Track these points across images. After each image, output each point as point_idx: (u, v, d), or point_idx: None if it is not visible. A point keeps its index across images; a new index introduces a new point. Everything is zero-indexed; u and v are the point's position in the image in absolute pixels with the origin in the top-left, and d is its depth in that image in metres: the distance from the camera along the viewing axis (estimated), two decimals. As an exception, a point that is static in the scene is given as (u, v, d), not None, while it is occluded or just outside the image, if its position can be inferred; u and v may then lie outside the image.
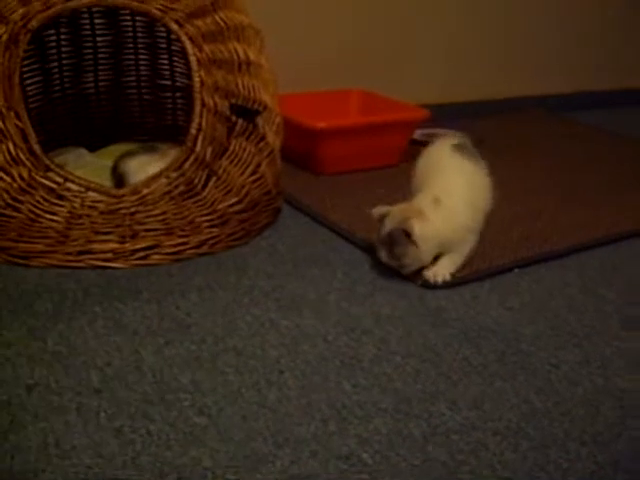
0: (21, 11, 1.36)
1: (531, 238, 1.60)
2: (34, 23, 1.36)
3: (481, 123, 2.42)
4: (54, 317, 1.25)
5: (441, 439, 1.00)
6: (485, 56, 2.60)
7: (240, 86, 1.47)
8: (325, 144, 1.85)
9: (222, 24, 1.47)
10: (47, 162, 1.39)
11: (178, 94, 1.86)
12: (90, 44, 1.78)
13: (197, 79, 1.41)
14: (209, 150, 1.44)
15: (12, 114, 1.38)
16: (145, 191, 1.42)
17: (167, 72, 1.84)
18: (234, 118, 1.47)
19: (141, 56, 1.83)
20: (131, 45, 1.81)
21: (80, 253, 1.42)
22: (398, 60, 2.43)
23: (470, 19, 2.53)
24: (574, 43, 2.74)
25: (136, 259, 1.43)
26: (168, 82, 1.86)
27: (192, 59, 1.41)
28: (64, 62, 1.77)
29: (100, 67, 1.81)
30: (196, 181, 1.44)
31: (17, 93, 1.37)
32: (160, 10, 1.40)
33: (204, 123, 1.43)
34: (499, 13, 2.58)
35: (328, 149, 1.86)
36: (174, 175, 1.43)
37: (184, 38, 1.41)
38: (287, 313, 1.28)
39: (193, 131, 1.42)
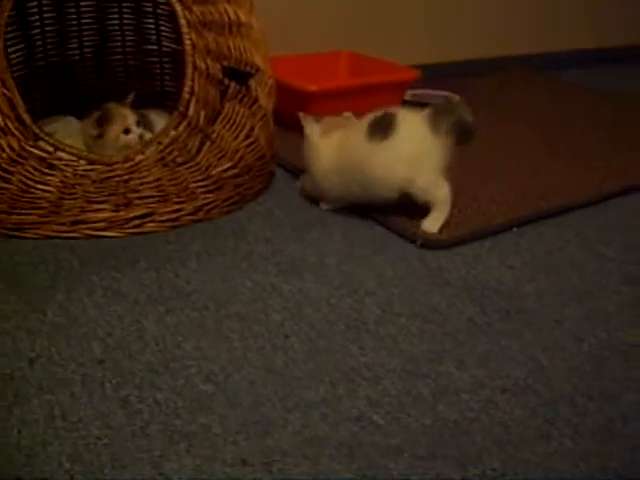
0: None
1: (527, 196, 1.59)
2: (17, -14, 1.31)
3: (468, 83, 2.40)
4: (51, 288, 1.23)
5: (451, 398, 0.99)
6: (469, 16, 2.58)
7: (232, 48, 1.44)
8: (317, 106, 1.82)
9: (211, -16, 1.43)
10: (37, 131, 1.36)
11: (165, 59, 1.82)
12: (73, 9, 1.73)
13: (188, 42, 1.38)
14: (202, 114, 1.41)
15: (-2, 82, 1.34)
16: (138, 158, 1.39)
17: (154, 36, 1.80)
18: (226, 81, 1.44)
19: (126, 20, 1.78)
20: (116, 9, 1.76)
21: (74, 223, 1.39)
22: (384, 21, 2.41)
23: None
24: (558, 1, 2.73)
25: (131, 227, 1.41)
26: (155, 47, 1.81)
27: (182, 22, 1.38)
28: (47, 29, 1.72)
29: (84, 33, 1.76)
30: (190, 146, 1.42)
31: (2, 61, 1.34)
32: (148, -30, 1.36)
33: (196, 87, 1.40)
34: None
35: (320, 111, 1.83)
36: (167, 141, 1.40)
37: (173, 0, 1.36)
38: (288, 277, 1.27)
39: (185, 95, 1.39)
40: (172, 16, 1.72)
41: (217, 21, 1.43)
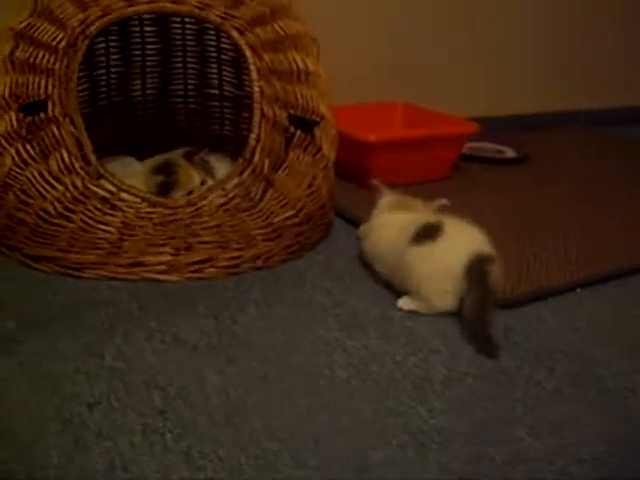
0: (80, 16, 1.33)
1: (589, 257, 1.55)
2: (93, 29, 1.33)
3: (523, 137, 2.39)
4: (110, 331, 1.21)
5: (524, 466, 0.95)
6: (526, 71, 2.57)
7: (299, 96, 1.43)
8: (376, 156, 1.81)
9: (281, 33, 1.44)
10: (102, 171, 1.36)
11: (226, 104, 1.83)
12: (139, 52, 1.75)
13: (257, 89, 1.38)
14: (267, 162, 1.40)
15: (67, 121, 1.34)
16: (201, 203, 1.38)
17: (215, 81, 1.81)
18: (292, 129, 1.43)
19: (189, 64, 1.80)
20: (180, 53, 1.78)
21: (133, 265, 1.38)
22: (439, 74, 2.40)
23: (510, 34, 2.50)
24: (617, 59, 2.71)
25: (190, 272, 1.39)
26: (216, 91, 1.82)
27: (252, 68, 1.38)
28: (112, 70, 1.74)
29: (148, 75, 1.78)
30: (253, 193, 1.40)
31: (73, 100, 1.34)
32: (220, 17, 1.36)
33: (263, 134, 1.39)
34: (537, 30, 2.55)
35: (379, 161, 1.82)
36: (231, 187, 1.39)
37: (245, 47, 1.37)
38: (351, 331, 1.24)
39: (252, 142, 1.38)
40: (236, 62, 1.75)
41: (286, 69, 1.43)
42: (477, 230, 1.30)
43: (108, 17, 1.32)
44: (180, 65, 1.80)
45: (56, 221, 1.38)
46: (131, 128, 1.80)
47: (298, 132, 1.44)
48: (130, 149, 1.73)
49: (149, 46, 1.75)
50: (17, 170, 1.38)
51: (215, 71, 1.80)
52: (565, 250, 1.58)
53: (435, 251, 1.27)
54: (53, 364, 1.12)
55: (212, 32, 1.73)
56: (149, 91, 1.80)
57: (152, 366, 1.12)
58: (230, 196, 1.39)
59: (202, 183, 1.51)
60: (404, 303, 1.32)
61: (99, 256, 1.38)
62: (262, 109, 1.38)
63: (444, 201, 1.41)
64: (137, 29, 1.72)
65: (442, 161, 1.95)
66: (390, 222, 1.40)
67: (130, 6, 1.33)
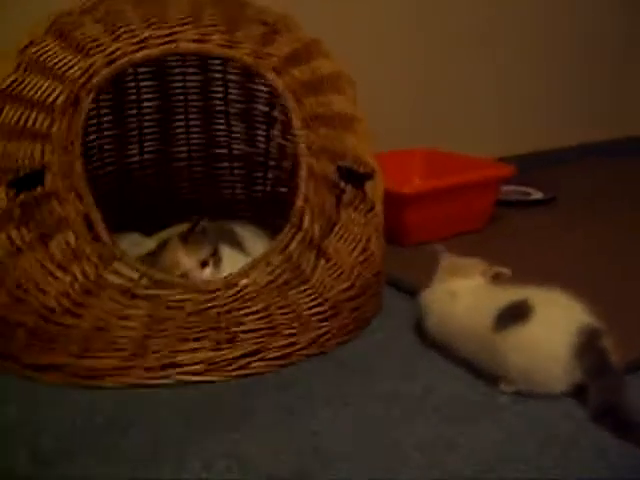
0: (82, 65, 1.08)
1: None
2: (99, 79, 1.07)
3: (544, 175, 2.20)
4: (155, 460, 0.93)
5: None
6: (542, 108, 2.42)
7: (347, 146, 1.20)
8: (411, 209, 1.59)
9: (318, 73, 1.21)
10: (118, 254, 1.09)
11: (236, 163, 1.58)
12: (134, 111, 1.50)
13: (302, 140, 1.14)
14: (317, 226, 1.16)
15: (72, 196, 1.08)
16: (243, 282, 1.12)
17: (223, 139, 1.57)
18: (342, 184, 1.19)
19: (192, 122, 1.55)
20: (181, 109, 1.53)
21: (164, 367, 1.11)
22: (456, 118, 2.23)
23: (523, 71, 2.36)
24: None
25: (235, 369, 1.13)
26: (224, 150, 1.58)
27: (294, 116, 1.14)
28: (105, 133, 1.48)
29: (145, 137, 1.53)
30: (304, 265, 1.15)
31: (78, 168, 1.09)
32: (252, 56, 1.13)
33: (311, 193, 1.15)
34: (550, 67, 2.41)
35: (414, 214, 1.59)
36: (278, 260, 1.13)
37: (283, 90, 1.13)
38: (459, 425, 0.98)
39: (299, 203, 1.14)
40: (246, 115, 1.52)
41: (328, 115, 1.20)
42: (571, 299, 1.07)
43: (117, 64, 1.07)
44: (182, 124, 1.55)
45: (62, 320, 1.10)
46: (128, 199, 1.53)
47: (349, 188, 1.20)
48: (129, 223, 1.46)
49: (146, 103, 1.50)
50: (11, 261, 1.11)
51: (223, 127, 1.56)
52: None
53: (531, 336, 1.04)
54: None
55: (218, 82, 1.49)
56: (147, 155, 1.55)
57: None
58: (278, 272, 1.14)
59: (203, 264, 1.22)
60: (506, 387, 1.08)
61: (121, 359, 1.11)
62: (308, 164, 1.14)
63: (505, 270, 1.17)
64: (132, 84, 1.47)
65: (479, 209, 1.74)
66: (460, 293, 1.17)
67: (140, 50, 1.08)
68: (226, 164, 1.59)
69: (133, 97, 1.48)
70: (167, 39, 1.09)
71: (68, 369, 1.11)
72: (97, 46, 1.09)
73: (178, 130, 1.55)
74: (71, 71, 1.08)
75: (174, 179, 1.58)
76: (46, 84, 1.09)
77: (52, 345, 1.11)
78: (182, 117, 1.54)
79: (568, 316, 1.05)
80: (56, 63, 1.09)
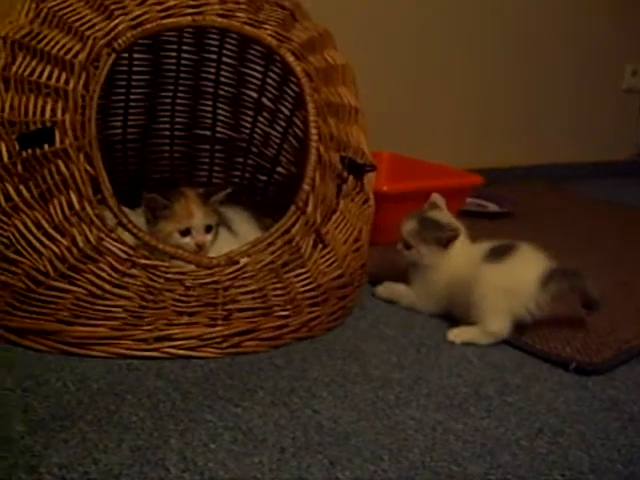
0: (104, 26, 1.05)
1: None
2: (121, 42, 1.06)
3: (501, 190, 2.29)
4: (158, 431, 0.92)
5: None
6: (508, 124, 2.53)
7: (350, 137, 1.22)
8: (384, 208, 1.61)
9: (331, 62, 1.22)
10: (124, 220, 1.07)
11: (218, 147, 1.58)
12: (124, 82, 1.47)
13: (314, 128, 1.15)
14: (319, 212, 1.17)
15: (82, 156, 1.06)
16: (244, 260, 1.12)
17: (208, 120, 1.55)
18: (345, 174, 1.21)
19: (180, 100, 1.53)
20: (171, 87, 1.51)
21: (157, 339, 1.10)
22: (418, 124, 2.29)
23: (486, 86, 2.46)
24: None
25: (229, 347, 1.12)
26: (208, 132, 1.56)
27: (309, 101, 1.15)
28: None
29: (131, 110, 1.50)
30: (303, 249, 1.16)
31: (91, 130, 1.06)
32: (275, 38, 1.13)
33: (318, 179, 1.16)
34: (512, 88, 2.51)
35: (387, 213, 1.62)
36: (280, 241, 1.14)
37: (302, 75, 1.14)
38: (451, 412, 1.01)
39: (306, 188, 1.15)
40: (235, 100, 1.52)
41: (338, 104, 1.22)
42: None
43: (142, 28, 1.06)
44: (169, 101, 1.52)
45: (55, 284, 1.07)
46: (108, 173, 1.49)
47: (351, 178, 1.22)
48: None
49: (136, 76, 1.47)
50: (3, 218, 1.07)
51: (209, 109, 1.54)
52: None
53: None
54: (103, 480, 0.82)
55: (212, 64, 1.48)
56: (130, 129, 1.52)
57: (235, 476, 0.85)
58: (278, 253, 1.14)
59: (208, 228, 1.20)
60: (455, 335, 1.24)
61: (112, 329, 1.09)
62: (319, 151, 1.15)
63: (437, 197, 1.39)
64: (125, 54, 1.43)
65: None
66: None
67: (168, 17, 1.07)
68: (207, 146, 1.58)
69: (124, 68, 1.45)
70: (193, 10, 1.08)
71: (59, 337, 1.08)
72: (121, 8, 1.07)
73: (164, 107, 1.53)
74: (92, 30, 1.06)
75: (154, 156, 1.56)
76: (64, 40, 1.06)
77: (42, 310, 1.08)
78: (170, 94, 1.52)
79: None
80: (77, 20, 1.07)
